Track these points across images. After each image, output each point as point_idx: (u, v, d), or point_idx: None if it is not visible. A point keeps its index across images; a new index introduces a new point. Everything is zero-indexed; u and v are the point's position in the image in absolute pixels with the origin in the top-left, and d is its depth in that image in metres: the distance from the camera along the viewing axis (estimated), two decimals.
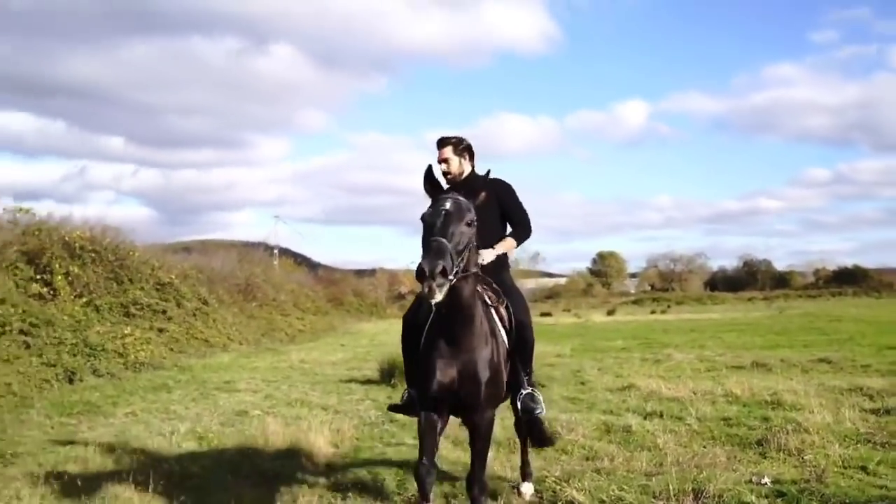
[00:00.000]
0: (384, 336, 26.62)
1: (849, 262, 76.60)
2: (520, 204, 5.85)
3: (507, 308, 5.35)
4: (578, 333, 27.22)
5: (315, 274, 50.87)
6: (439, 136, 5.67)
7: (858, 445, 7.06)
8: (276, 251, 47.52)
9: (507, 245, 5.72)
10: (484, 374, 4.76)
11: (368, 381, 13.23)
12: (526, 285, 78.05)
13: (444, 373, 4.71)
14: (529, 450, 6.27)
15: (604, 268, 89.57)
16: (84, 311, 17.52)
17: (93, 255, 19.67)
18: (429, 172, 4.77)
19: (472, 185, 5.08)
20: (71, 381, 13.15)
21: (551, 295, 79.17)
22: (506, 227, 5.89)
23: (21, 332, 14.21)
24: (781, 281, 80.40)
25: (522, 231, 5.84)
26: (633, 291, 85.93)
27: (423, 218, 4.47)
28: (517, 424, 6.17)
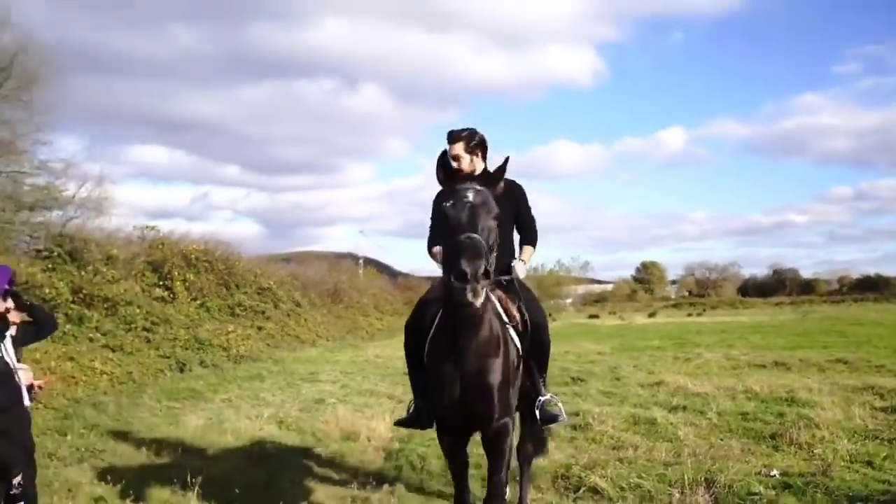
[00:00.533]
0: None
1: (871, 271, 72.98)
2: (530, 209, 4.87)
3: (519, 308, 4.33)
4: (620, 334, 26.56)
5: (395, 280, 51.06)
6: (449, 130, 4.46)
7: (866, 441, 6.60)
8: (361, 261, 47.83)
9: (530, 254, 4.87)
10: (495, 381, 3.81)
11: None
12: (577, 291, 77.00)
13: (454, 383, 3.77)
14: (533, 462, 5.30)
15: (646, 275, 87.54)
16: (197, 312, 17.93)
17: (206, 264, 20.13)
18: (443, 158, 3.87)
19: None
20: (181, 371, 13.42)
21: (599, 299, 77.74)
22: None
23: (144, 328, 14.59)
24: (808, 288, 77.17)
25: (533, 237, 4.87)
26: (672, 297, 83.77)
27: (444, 210, 3.55)
28: (521, 443, 4.98)
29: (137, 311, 14.98)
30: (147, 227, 20.13)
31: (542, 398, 4.42)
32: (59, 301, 13.25)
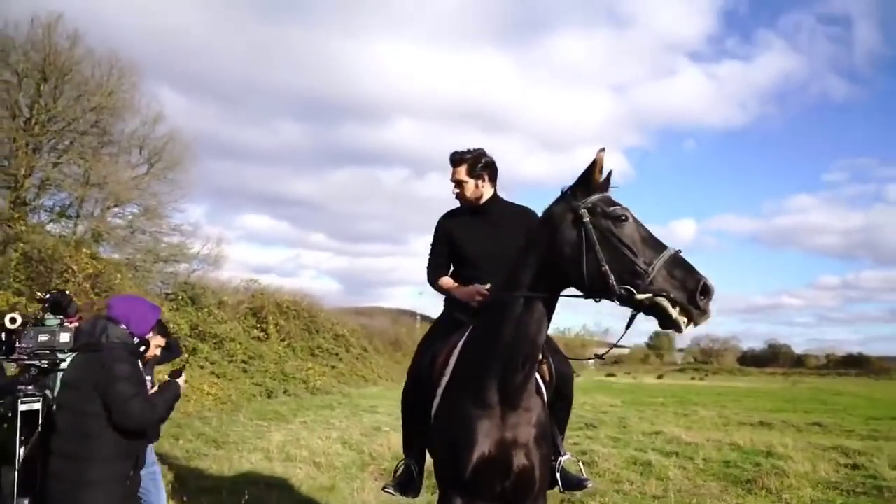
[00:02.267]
0: None
1: (855, 350, 69.63)
2: None
3: (545, 355, 2.87)
4: (631, 391, 25.90)
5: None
6: (452, 152, 3.32)
7: (828, 490, 6.47)
8: (418, 316, 48.10)
9: None
10: (541, 443, 2.65)
11: None
12: (599, 352, 74.86)
13: (490, 440, 2.55)
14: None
15: (658, 343, 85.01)
16: (284, 350, 18.39)
17: (294, 312, 20.71)
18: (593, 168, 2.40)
19: (498, 210, 3.29)
20: (269, 397, 13.79)
21: (616, 361, 75.85)
22: None
23: (242, 361, 15.09)
24: (799, 361, 73.73)
25: None
26: (679, 362, 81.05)
27: (619, 216, 2.30)
28: None
29: (238, 346, 15.54)
30: (251, 280, 21.01)
31: (562, 458, 3.05)
32: (180, 335, 13.89)
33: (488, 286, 3.00)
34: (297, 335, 20.07)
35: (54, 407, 2.72)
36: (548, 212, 2.51)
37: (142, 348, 3.12)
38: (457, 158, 3.28)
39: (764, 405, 18.22)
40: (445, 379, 2.79)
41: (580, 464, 3.22)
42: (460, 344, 2.82)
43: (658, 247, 2.27)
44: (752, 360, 75.81)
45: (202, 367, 12.98)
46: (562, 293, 2.49)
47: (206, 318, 15.53)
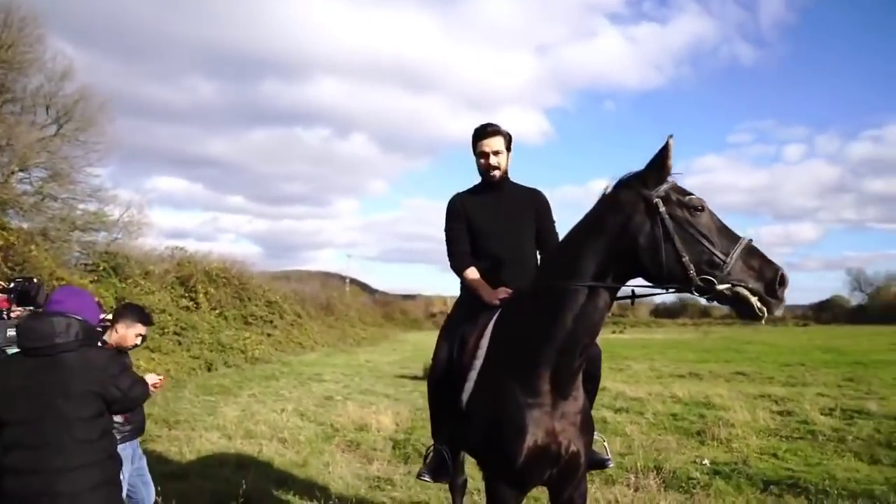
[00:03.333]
0: (423, 343, 26.46)
1: None
2: (555, 224, 3.34)
3: None
4: None
5: (374, 297, 50.98)
6: (483, 124, 3.18)
7: (770, 438, 6.99)
8: (347, 280, 47.60)
9: None
10: (585, 429, 2.65)
11: (415, 377, 13.20)
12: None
13: (542, 429, 2.48)
14: None
15: None
16: (217, 320, 17.74)
17: (224, 280, 19.93)
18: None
19: (509, 189, 3.23)
20: (209, 370, 13.32)
21: None
22: None
23: (175, 332, 14.43)
24: (705, 312, 78.93)
25: None
26: None
27: (696, 206, 2.26)
28: None
29: (169, 318, 14.81)
30: (176, 247, 19.94)
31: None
32: (105, 309, 13.06)
33: (510, 291, 2.93)
34: (229, 303, 19.38)
35: None
36: (614, 198, 2.39)
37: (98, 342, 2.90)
38: (493, 129, 3.17)
39: (686, 356, 19.39)
40: (479, 362, 2.70)
41: (605, 443, 3.17)
42: (491, 325, 2.75)
43: (732, 236, 2.25)
44: (665, 312, 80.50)
45: None
46: (627, 283, 2.42)
47: (131, 289, 14.68)
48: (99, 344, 2.89)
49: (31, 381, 2.43)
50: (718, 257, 2.20)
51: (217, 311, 18.38)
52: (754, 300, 2.15)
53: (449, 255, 3.27)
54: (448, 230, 3.29)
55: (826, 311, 61.55)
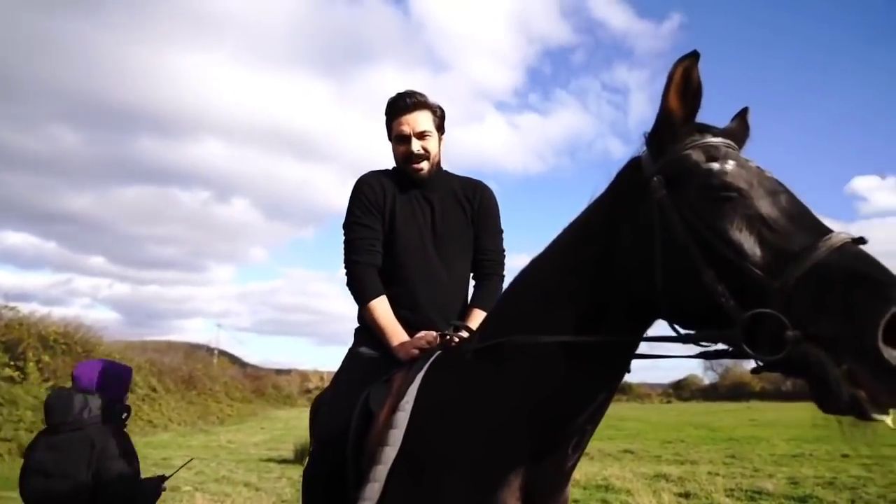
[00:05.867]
0: (296, 421, 24.25)
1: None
2: (502, 242, 2.36)
3: None
4: None
5: (245, 371, 47.29)
6: (401, 93, 2.19)
7: None
8: (216, 351, 43.92)
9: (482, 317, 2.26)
10: None
11: (284, 461, 11.49)
12: None
13: None
14: None
15: None
16: (48, 394, 14.91)
17: (64, 346, 17.09)
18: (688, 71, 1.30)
19: (444, 187, 2.24)
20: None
21: None
22: None
23: None
24: None
25: (497, 270, 2.32)
26: None
27: (727, 186, 1.25)
28: None
29: None
30: (5, 306, 16.88)
31: None
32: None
33: (437, 335, 1.90)
34: (67, 374, 16.46)
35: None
36: (615, 181, 1.48)
37: (123, 415, 2.93)
38: (415, 102, 2.15)
39: None
40: (391, 450, 1.62)
41: None
42: (413, 390, 1.67)
43: (803, 235, 1.16)
44: None
45: None
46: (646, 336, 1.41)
47: None
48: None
49: (51, 456, 2.58)
50: (756, 276, 1.16)
51: (50, 383, 15.48)
52: (835, 376, 1.01)
53: (348, 268, 2.11)
54: (351, 225, 2.15)
55: (683, 389, 65.32)
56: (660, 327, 1.41)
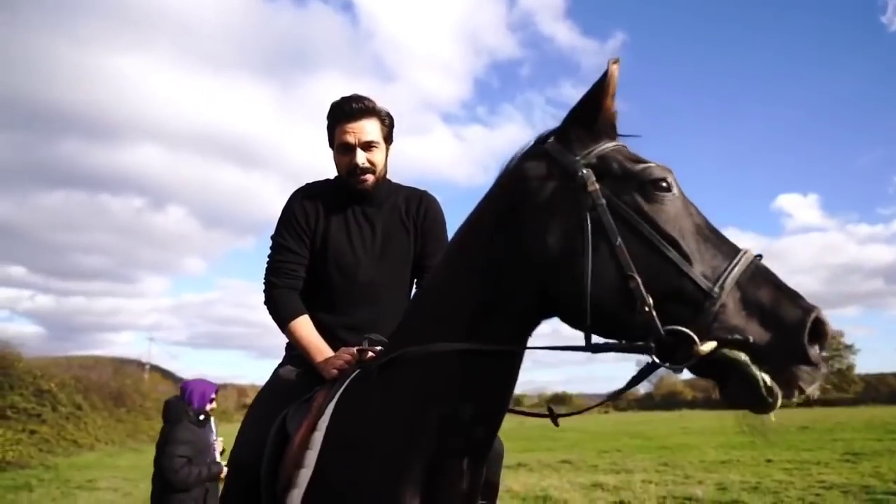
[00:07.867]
0: (233, 438, 23.39)
1: (559, 390, 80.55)
2: (445, 242, 2.13)
3: None
4: None
5: (178, 386, 45.47)
6: (346, 97, 2.03)
7: None
8: (147, 366, 42.04)
9: None
10: None
11: (222, 481, 11.08)
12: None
13: None
14: None
15: None
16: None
17: None
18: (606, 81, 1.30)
19: (388, 202, 2.10)
20: None
21: None
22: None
23: None
24: (517, 401, 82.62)
25: None
26: None
27: (657, 180, 1.27)
28: None
29: None
30: None
31: None
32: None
33: (356, 350, 1.77)
34: None
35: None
36: (513, 173, 1.41)
37: (201, 417, 4.24)
38: (362, 108, 1.97)
39: (508, 445, 19.04)
40: (307, 472, 1.49)
41: None
42: (329, 410, 1.56)
43: (724, 246, 1.23)
44: None
45: None
46: (530, 343, 1.39)
47: None
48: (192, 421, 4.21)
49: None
50: (699, 282, 1.18)
51: None
52: (761, 375, 1.11)
53: (266, 289, 2.02)
54: (277, 246, 2.06)
55: (620, 399, 67.15)
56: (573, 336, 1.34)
